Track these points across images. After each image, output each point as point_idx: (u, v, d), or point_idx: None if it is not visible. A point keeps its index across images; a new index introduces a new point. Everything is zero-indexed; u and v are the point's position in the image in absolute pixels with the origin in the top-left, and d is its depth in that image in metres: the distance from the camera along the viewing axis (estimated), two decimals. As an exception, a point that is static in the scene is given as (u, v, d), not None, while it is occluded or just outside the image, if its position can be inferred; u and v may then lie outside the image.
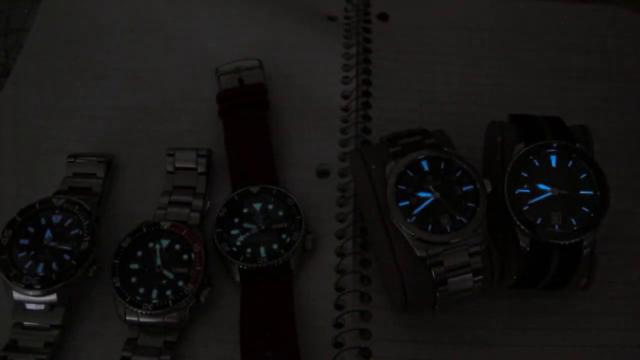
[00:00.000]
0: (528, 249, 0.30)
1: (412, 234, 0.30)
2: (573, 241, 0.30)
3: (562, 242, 0.30)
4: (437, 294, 0.30)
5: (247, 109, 0.40)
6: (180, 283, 0.33)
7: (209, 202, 0.37)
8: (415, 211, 0.30)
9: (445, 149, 0.32)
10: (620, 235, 0.36)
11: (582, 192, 0.31)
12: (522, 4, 0.48)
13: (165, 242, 0.34)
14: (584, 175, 0.31)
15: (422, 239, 0.29)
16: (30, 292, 0.32)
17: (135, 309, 0.32)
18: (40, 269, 0.33)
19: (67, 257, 0.33)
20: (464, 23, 0.47)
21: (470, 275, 0.30)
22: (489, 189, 0.31)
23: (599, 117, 0.42)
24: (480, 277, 0.30)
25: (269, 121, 0.40)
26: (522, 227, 0.30)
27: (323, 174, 0.39)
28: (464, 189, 0.31)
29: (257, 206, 0.36)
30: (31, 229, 0.34)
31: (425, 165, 0.32)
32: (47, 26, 0.46)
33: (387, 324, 0.34)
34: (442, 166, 0.32)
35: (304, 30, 0.46)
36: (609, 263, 0.35)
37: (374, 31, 0.46)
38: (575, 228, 0.30)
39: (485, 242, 0.30)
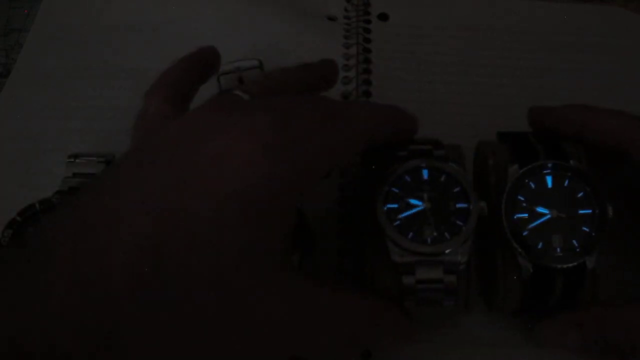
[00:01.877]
0: (530, 275, 0.29)
1: (391, 236, 0.29)
2: (576, 263, 0.29)
3: (564, 266, 0.29)
4: (405, 303, 0.29)
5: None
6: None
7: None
8: (401, 215, 0.30)
9: (451, 163, 0.31)
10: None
11: (580, 212, 0.30)
12: (522, 4, 0.48)
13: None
14: (581, 193, 0.31)
15: (399, 244, 0.29)
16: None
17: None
18: (40, 269, 0.33)
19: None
20: (463, 23, 0.47)
21: (440, 292, 0.29)
22: (484, 212, 0.30)
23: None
24: (452, 296, 0.29)
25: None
26: (523, 253, 0.29)
27: (323, 174, 0.39)
28: (457, 206, 0.30)
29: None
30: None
31: (425, 174, 0.31)
32: (47, 26, 0.46)
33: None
34: (442, 179, 0.31)
35: (304, 30, 0.46)
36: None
37: (374, 31, 0.46)
38: (577, 250, 0.29)
39: (464, 264, 0.29)
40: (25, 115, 0.42)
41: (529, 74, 0.44)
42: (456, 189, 0.31)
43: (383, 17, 0.47)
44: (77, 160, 0.38)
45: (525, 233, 0.30)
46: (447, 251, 0.29)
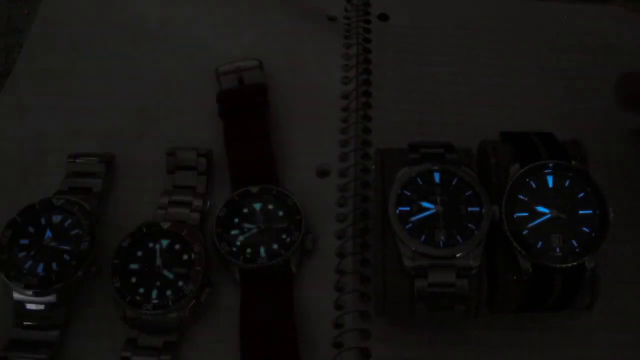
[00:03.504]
0: (529, 273, 0.29)
1: (403, 240, 0.29)
2: (575, 263, 0.29)
3: (564, 266, 0.29)
4: (416, 307, 0.30)
5: (247, 109, 0.40)
6: (180, 283, 0.33)
7: (209, 202, 0.37)
8: (413, 219, 0.30)
9: (463, 167, 0.31)
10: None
11: (581, 212, 0.30)
12: (521, 4, 0.48)
13: (165, 242, 0.34)
14: (582, 194, 0.31)
15: (411, 247, 0.29)
16: (30, 292, 0.32)
17: (135, 309, 0.32)
18: (40, 269, 0.33)
19: (67, 257, 0.33)
20: (463, 23, 0.47)
21: (452, 296, 0.29)
22: (496, 216, 0.30)
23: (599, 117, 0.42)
24: (463, 300, 0.29)
25: (269, 121, 0.40)
26: (523, 252, 0.29)
27: (323, 174, 0.39)
28: (469, 209, 0.30)
29: (257, 206, 0.36)
30: (31, 229, 0.34)
31: (437, 177, 0.31)
32: (47, 26, 0.46)
33: (387, 324, 0.34)
34: (454, 182, 0.31)
35: (304, 30, 0.46)
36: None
37: (374, 31, 0.46)
38: (577, 250, 0.29)
39: (476, 268, 0.29)
40: (25, 115, 0.42)
41: (529, 74, 0.44)
42: (468, 193, 0.31)
43: (383, 17, 0.47)
44: (77, 160, 0.38)
45: (525, 232, 0.30)
46: (458, 255, 0.29)
